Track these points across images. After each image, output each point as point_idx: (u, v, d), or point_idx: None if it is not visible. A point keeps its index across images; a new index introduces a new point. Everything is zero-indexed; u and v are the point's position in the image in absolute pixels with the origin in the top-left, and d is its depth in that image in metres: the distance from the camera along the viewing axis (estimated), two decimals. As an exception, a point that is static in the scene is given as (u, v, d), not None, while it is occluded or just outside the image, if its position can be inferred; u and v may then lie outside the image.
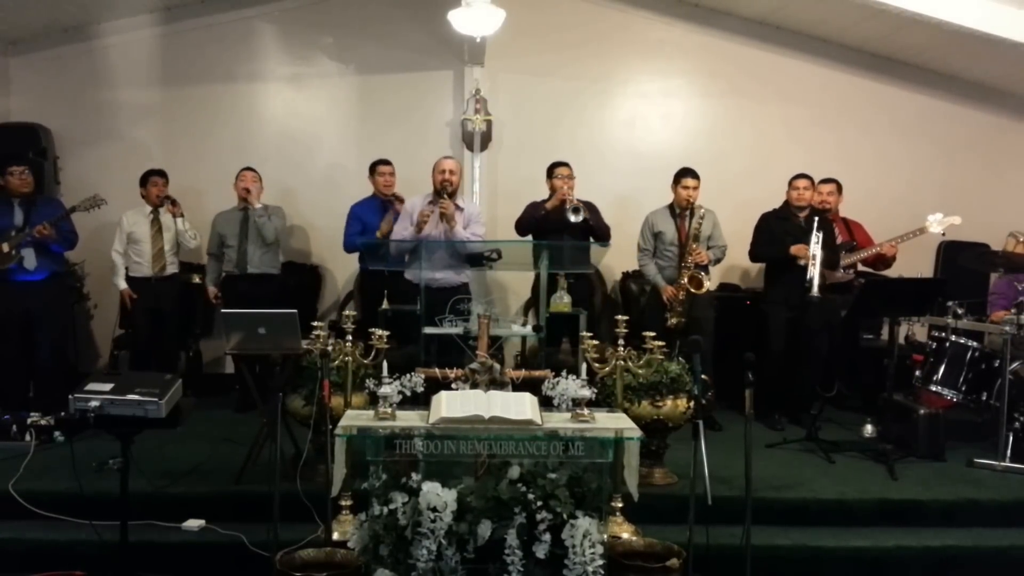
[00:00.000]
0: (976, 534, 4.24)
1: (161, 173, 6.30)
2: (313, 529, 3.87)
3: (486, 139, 7.13)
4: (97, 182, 6.50)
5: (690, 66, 7.52)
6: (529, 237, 6.01)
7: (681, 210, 5.95)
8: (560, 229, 5.83)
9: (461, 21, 5.94)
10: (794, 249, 5.79)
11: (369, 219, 6.33)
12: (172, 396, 3.57)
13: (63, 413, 4.96)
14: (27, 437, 4.98)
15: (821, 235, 5.59)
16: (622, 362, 4.25)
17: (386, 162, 6.43)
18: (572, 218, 5.71)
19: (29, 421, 5.04)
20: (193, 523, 4.07)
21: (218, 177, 6.67)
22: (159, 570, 3.88)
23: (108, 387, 3.52)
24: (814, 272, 5.46)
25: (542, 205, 6.00)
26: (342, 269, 7.33)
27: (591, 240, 5.82)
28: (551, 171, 6.10)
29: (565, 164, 6.12)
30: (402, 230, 5.63)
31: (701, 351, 3.63)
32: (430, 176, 5.65)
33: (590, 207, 6.03)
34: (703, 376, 3.64)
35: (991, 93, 7.57)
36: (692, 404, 3.98)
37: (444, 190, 5.54)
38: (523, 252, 5.48)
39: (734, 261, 6.77)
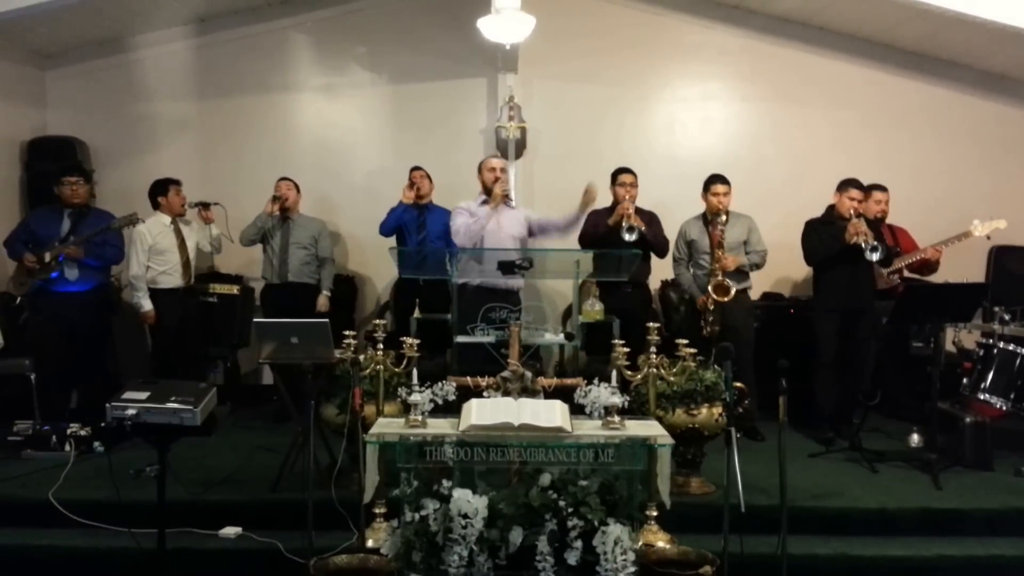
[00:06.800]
0: (1022, 544, 4.13)
1: (178, 181, 6.22)
2: (348, 536, 3.90)
3: (521, 146, 7.07)
4: (134, 195, 6.58)
5: (730, 69, 7.40)
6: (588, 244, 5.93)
7: (712, 217, 5.83)
8: (621, 243, 5.69)
9: (491, 28, 5.86)
10: (852, 225, 5.53)
11: (405, 219, 6.38)
12: (207, 404, 3.61)
13: (102, 424, 5.03)
14: (67, 447, 5.08)
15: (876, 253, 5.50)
16: (655, 370, 4.21)
17: (417, 168, 6.45)
18: (627, 237, 5.57)
19: (69, 432, 5.14)
20: (230, 530, 4.11)
21: (253, 188, 6.69)
22: (196, 577, 3.93)
23: (144, 395, 3.57)
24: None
25: (604, 221, 5.88)
26: (379, 279, 7.34)
27: (650, 253, 5.89)
28: (614, 177, 5.99)
29: (628, 171, 5.98)
30: (468, 224, 5.44)
31: (732, 358, 3.58)
32: (464, 183, 5.57)
33: (651, 218, 5.98)
34: (740, 385, 3.59)
35: (1039, 93, 7.38)
36: (725, 412, 3.93)
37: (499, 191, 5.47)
38: (566, 260, 5.23)
39: (778, 270, 6.64)
